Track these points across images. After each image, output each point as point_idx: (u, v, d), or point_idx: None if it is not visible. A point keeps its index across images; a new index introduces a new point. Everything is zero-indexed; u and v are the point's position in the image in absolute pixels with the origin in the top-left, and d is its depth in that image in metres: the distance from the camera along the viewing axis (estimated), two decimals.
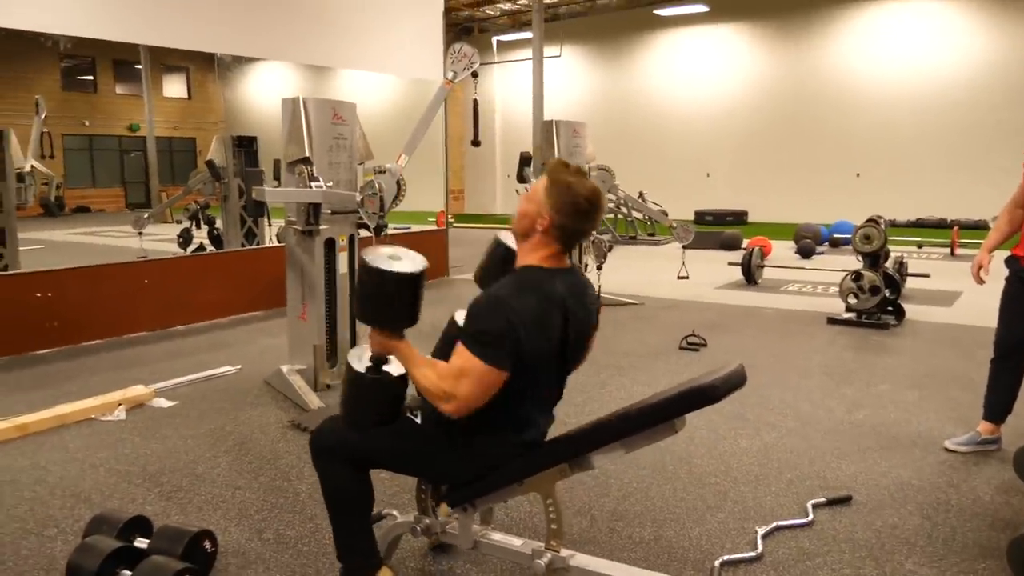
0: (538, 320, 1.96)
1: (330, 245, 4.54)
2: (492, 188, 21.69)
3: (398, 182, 4.63)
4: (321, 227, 4.40)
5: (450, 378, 1.95)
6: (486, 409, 1.98)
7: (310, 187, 4.24)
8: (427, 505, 2.36)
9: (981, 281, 3.53)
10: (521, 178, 6.51)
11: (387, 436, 2.18)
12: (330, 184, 4.31)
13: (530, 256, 2.08)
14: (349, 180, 4.59)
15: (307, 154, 4.28)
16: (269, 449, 3.68)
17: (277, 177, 7.25)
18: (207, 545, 2.55)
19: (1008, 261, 3.48)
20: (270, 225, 9.68)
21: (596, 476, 3.29)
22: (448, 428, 2.08)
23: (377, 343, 2.11)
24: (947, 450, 3.60)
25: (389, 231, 4.63)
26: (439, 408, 1.99)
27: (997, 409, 3.56)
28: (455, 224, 16.60)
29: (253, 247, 8.46)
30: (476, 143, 5.85)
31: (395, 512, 2.54)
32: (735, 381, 1.96)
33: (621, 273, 8.90)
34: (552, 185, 2.06)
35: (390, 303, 2.09)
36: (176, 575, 2.25)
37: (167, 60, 24.18)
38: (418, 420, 2.21)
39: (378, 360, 2.17)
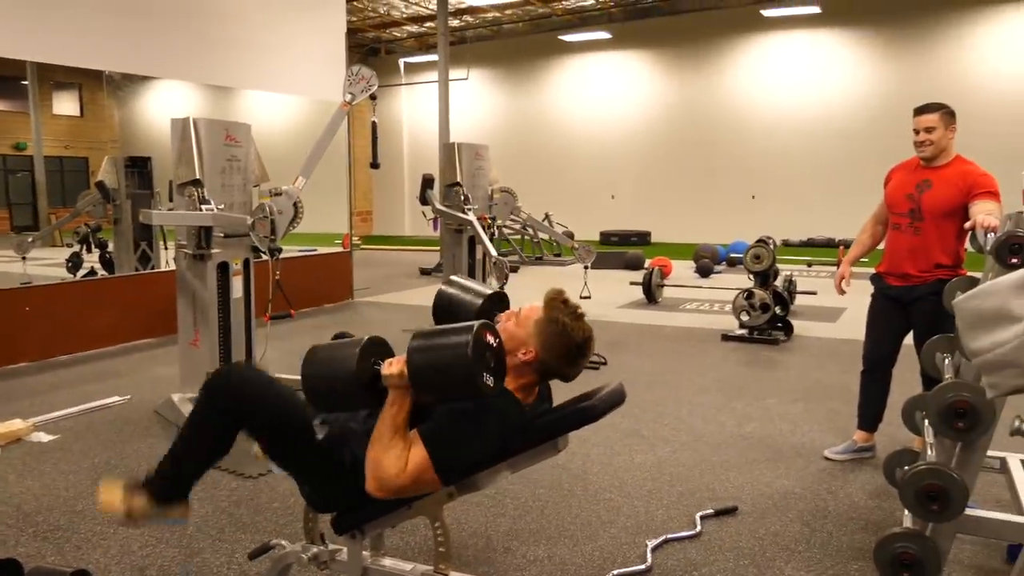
0: (495, 449, 1.96)
1: (223, 269, 4.44)
2: (400, 210, 21.56)
3: (295, 204, 4.56)
4: (213, 251, 4.30)
5: (407, 478, 1.88)
6: None
7: (200, 210, 4.14)
8: (315, 534, 2.33)
9: (842, 292, 3.75)
10: (424, 200, 6.53)
11: (294, 428, 2.06)
12: (222, 207, 4.22)
13: (511, 379, 2.00)
14: (244, 202, 4.51)
15: (197, 176, 4.18)
16: None
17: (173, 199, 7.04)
18: None
19: (873, 279, 3.71)
20: (166, 248, 9.35)
21: (493, 496, 3.31)
22: (346, 458, 2.03)
23: (396, 375, 1.87)
24: (827, 459, 3.79)
25: (296, 253, 4.57)
26: (369, 481, 1.90)
27: (869, 418, 3.78)
28: (363, 246, 16.49)
29: (147, 271, 8.16)
30: (375, 165, 5.84)
31: (284, 542, 2.48)
32: (614, 400, 2.02)
33: (526, 292, 8.91)
34: (547, 322, 2.00)
35: (444, 392, 1.87)
36: None
37: (57, 76, 23.10)
38: (318, 436, 2.08)
39: (377, 375, 1.92)
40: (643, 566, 2.73)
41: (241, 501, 3.30)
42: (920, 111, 3.47)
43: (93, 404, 4.76)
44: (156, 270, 8.29)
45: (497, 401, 1.94)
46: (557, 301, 2.04)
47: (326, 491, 2.12)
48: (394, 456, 1.87)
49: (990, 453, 2.92)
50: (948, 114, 3.44)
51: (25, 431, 4.16)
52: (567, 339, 2.00)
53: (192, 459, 2.12)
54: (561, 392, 2.21)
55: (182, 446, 2.12)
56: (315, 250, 9.80)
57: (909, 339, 3.59)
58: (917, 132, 3.45)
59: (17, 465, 3.76)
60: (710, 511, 3.18)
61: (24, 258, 9.68)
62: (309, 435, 2.07)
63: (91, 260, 9.54)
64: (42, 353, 5.95)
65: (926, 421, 2.88)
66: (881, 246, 3.77)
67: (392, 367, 1.89)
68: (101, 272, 9.06)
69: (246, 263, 4.61)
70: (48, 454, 3.92)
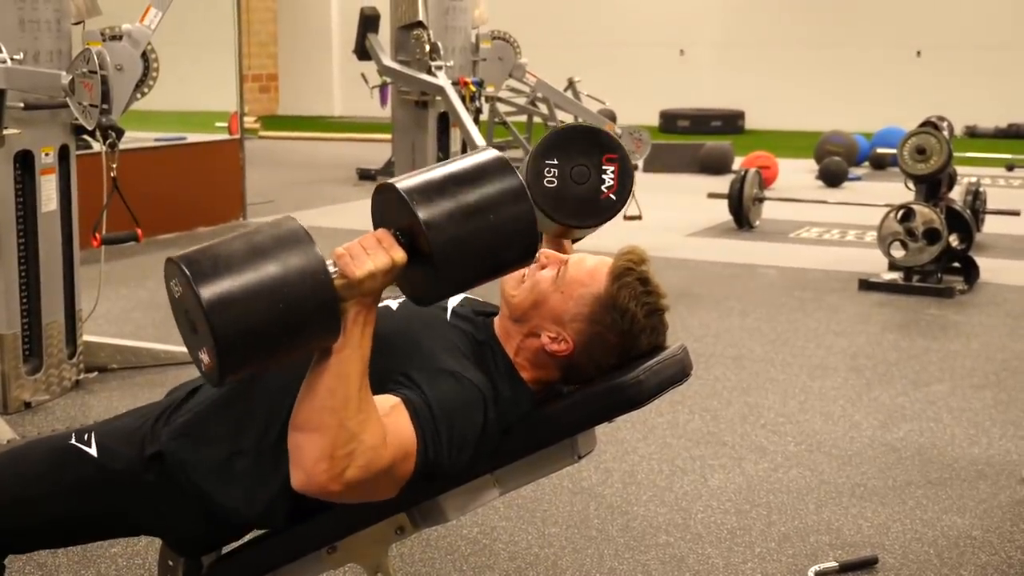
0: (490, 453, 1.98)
1: (25, 163, 4.45)
2: (326, 75, 21.42)
3: (145, 55, 4.53)
4: (7, 131, 4.27)
5: (389, 455, 1.78)
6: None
7: None
8: None
9: None
10: (362, 51, 6.50)
11: (54, 489, 2.04)
12: (19, 57, 4.20)
13: (523, 364, 2.05)
14: (57, 51, 4.51)
15: None
16: None
17: None
18: None
19: None
20: None
21: (475, 538, 3.35)
22: (164, 462, 1.99)
23: (383, 271, 1.68)
24: None
25: (152, 144, 4.54)
26: (319, 466, 1.73)
27: None
28: (263, 132, 16.42)
29: None
30: None
31: None
32: (672, 374, 2.01)
33: None
34: (607, 307, 1.98)
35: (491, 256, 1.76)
36: None
37: None
38: (93, 451, 2.05)
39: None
40: None
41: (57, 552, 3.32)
42: None
43: None
44: None
45: (504, 387, 1.97)
46: (633, 276, 1.99)
47: (167, 524, 2.11)
48: (369, 418, 1.75)
49: None
50: None
51: None
52: (628, 345, 2.00)
53: None
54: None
55: None
56: (184, 138, 9.76)
57: None
58: None
59: None
60: (832, 565, 3.20)
61: None
62: (90, 465, 2.04)
63: None
64: None
65: None
66: None
67: (372, 260, 1.69)
68: None
69: (63, 153, 4.59)
70: None
